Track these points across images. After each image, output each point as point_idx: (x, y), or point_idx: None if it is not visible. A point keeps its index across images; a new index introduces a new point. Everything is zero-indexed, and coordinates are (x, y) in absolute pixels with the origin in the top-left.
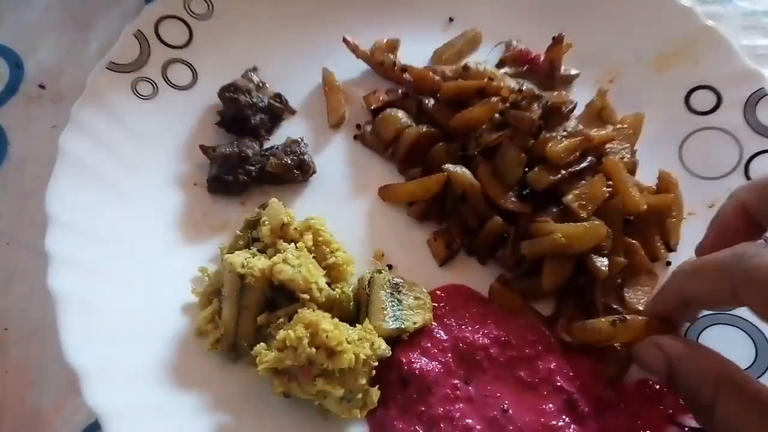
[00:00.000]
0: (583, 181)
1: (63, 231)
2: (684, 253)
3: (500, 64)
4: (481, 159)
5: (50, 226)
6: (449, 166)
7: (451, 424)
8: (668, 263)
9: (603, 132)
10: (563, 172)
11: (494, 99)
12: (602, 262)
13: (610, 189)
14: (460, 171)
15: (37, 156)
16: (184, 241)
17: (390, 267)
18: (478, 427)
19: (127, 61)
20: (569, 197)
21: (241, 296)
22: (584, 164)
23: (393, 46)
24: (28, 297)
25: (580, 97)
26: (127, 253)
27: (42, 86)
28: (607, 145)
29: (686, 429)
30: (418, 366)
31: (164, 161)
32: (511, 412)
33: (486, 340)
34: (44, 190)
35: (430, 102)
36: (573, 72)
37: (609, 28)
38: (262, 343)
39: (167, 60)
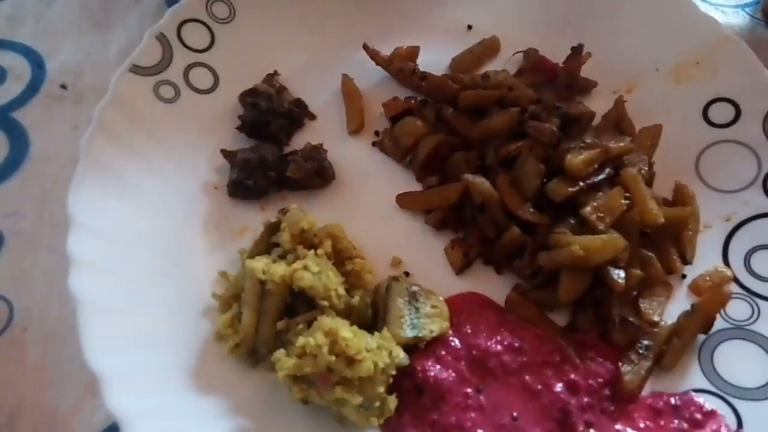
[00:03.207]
0: (601, 193)
1: (84, 233)
2: (700, 265)
3: (519, 73)
4: (500, 169)
5: (72, 228)
6: (468, 176)
7: None
8: (683, 276)
9: (621, 144)
10: (581, 184)
11: (513, 109)
12: (619, 275)
13: (628, 201)
14: (479, 181)
15: (58, 156)
16: (205, 245)
17: (407, 274)
18: None
19: (149, 64)
20: (587, 209)
21: (261, 302)
22: (602, 176)
23: (412, 54)
24: (47, 298)
25: (598, 106)
26: (147, 256)
27: (63, 86)
28: (625, 157)
29: None
30: (432, 374)
31: (185, 165)
32: (520, 420)
33: (499, 347)
34: (65, 191)
35: (449, 110)
36: (591, 82)
37: (628, 38)
38: (281, 350)
39: (189, 63)
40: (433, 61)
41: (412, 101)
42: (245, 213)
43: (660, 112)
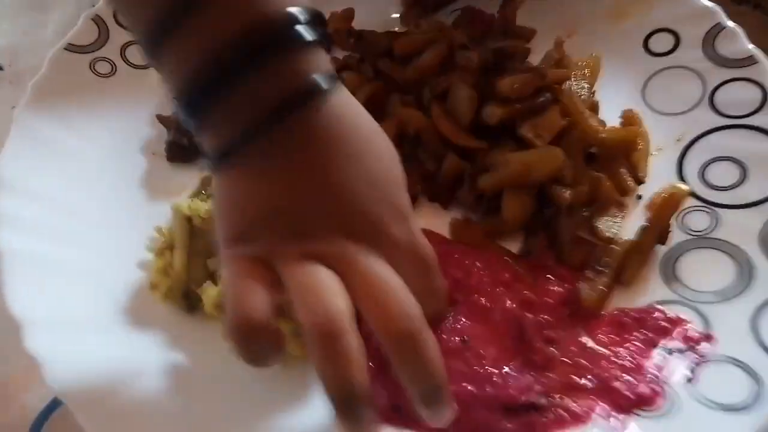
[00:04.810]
0: (539, 117)
1: (14, 195)
2: (654, 185)
3: (455, 26)
4: (435, 103)
5: (1, 192)
6: (399, 109)
7: None
8: (639, 197)
9: (558, 70)
10: (517, 105)
11: (443, 44)
12: (564, 190)
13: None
14: (411, 111)
15: None
16: (143, 206)
17: None
18: None
19: (85, 43)
20: (524, 128)
21: (190, 242)
22: (540, 100)
23: (348, 16)
24: None
25: (539, 56)
26: (82, 217)
27: (0, 68)
28: (564, 85)
29: (671, 351)
30: None
31: (123, 134)
32: (472, 342)
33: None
34: None
35: (385, 62)
36: (530, 30)
37: None
38: (209, 281)
39: (126, 42)
40: (370, 23)
41: (350, 58)
42: (185, 177)
43: (602, 51)
